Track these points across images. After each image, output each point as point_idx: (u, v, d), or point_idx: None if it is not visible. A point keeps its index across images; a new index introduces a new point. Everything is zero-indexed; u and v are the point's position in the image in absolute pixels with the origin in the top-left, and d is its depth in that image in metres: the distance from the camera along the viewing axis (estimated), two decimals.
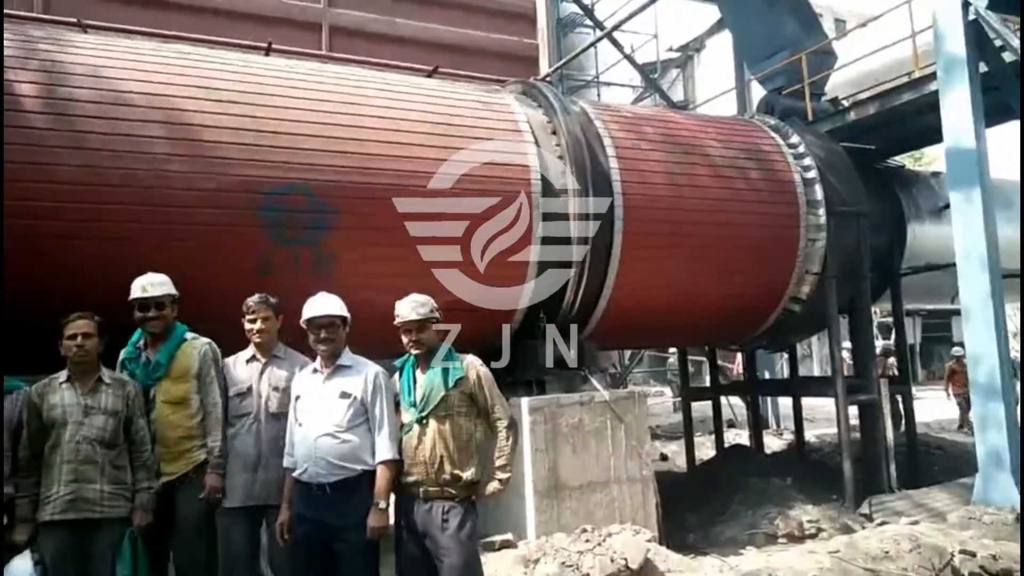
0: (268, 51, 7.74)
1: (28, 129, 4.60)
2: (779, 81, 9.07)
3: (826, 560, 5.08)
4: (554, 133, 6.45)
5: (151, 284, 3.94)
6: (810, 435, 11.26)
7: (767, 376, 13.55)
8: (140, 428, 3.82)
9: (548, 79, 10.07)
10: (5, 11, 6.78)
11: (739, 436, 12.02)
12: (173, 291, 4.01)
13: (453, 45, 9.95)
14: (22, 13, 7.67)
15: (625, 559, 5.20)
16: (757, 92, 11.04)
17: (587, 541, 5.46)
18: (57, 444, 3.61)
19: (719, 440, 10.06)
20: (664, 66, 17.81)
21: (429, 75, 8.17)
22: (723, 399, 10.68)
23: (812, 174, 7.55)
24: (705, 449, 10.80)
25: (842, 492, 7.55)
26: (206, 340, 4.02)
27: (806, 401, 10.13)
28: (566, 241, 6.21)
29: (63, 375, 3.74)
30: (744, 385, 10.59)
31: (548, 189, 6.16)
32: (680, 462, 10.57)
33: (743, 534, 6.96)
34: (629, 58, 12.06)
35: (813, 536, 6.78)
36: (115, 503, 3.66)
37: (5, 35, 4.95)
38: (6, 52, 4.79)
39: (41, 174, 4.58)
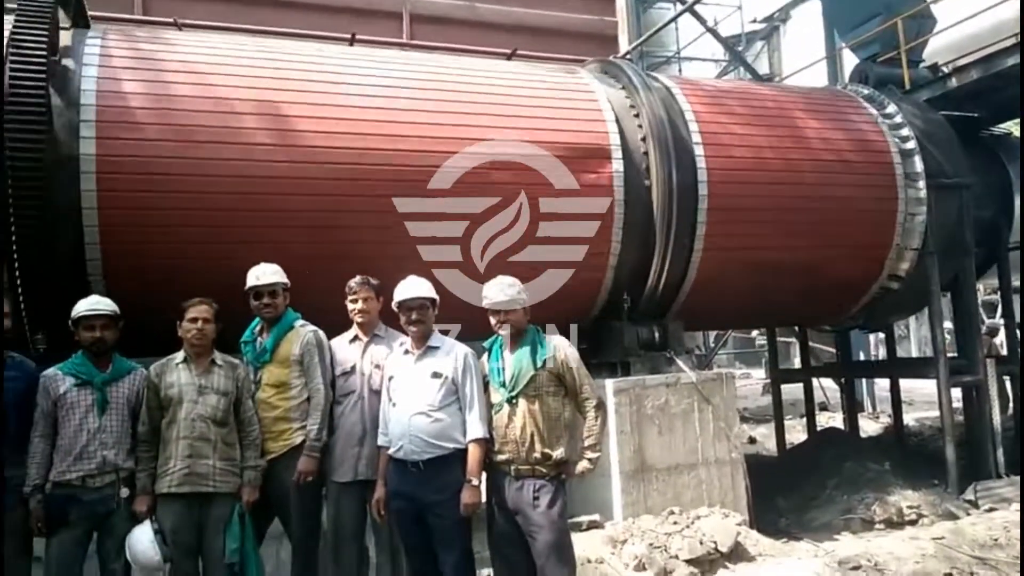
0: (352, 42, 7.92)
1: (139, 138, 4.90)
2: (873, 48, 8.66)
3: (929, 546, 4.90)
4: (635, 111, 6.37)
5: (264, 273, 4.13)
6: (909, 419, 10.80)
7: (861, 357, 13.04)
8: (248, 408, 4.01)
9: (628, 56, 9.91)
10: (108, 14, 7.20)
11: (832, 419, 11.65)
12: (284, 280, 4.18)
13: (533, 27, 9.92)
14: (124, 15, 8.08)
15: (715, 542, 5.16)
16: (849, 61, 10.58)
17: (675, 523, 5.43)
18: (173, 421, 3.83)
19: (811, 423, 9.78)
20: (748, 38, 17.23)
21: (508, 58, 8.18)
22: (815, 381, 10.35)
23: (910, 145, 7.20)
24: (795, 433, 10.51)
25: (944, 477, 7.23)
26: (312, 328, 4.17)
27: (904, 383, 9.74)
28: (648, 223, 6.15)
29: (179, 356, 3.96)
30: (838, 367, 10.22)
31: (630, 171, 6.10)
32: (769, 445, 10.34)
33: (838, 519, 6.75)
34: (712, 31, 11.69)
35: (913, 522, 6.52)
36: (225, 479, 3.87)
37: (115, 38, 5.25)
38: (118, 54, 5.10)
39: (146, 167, 4.88)
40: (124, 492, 3.76)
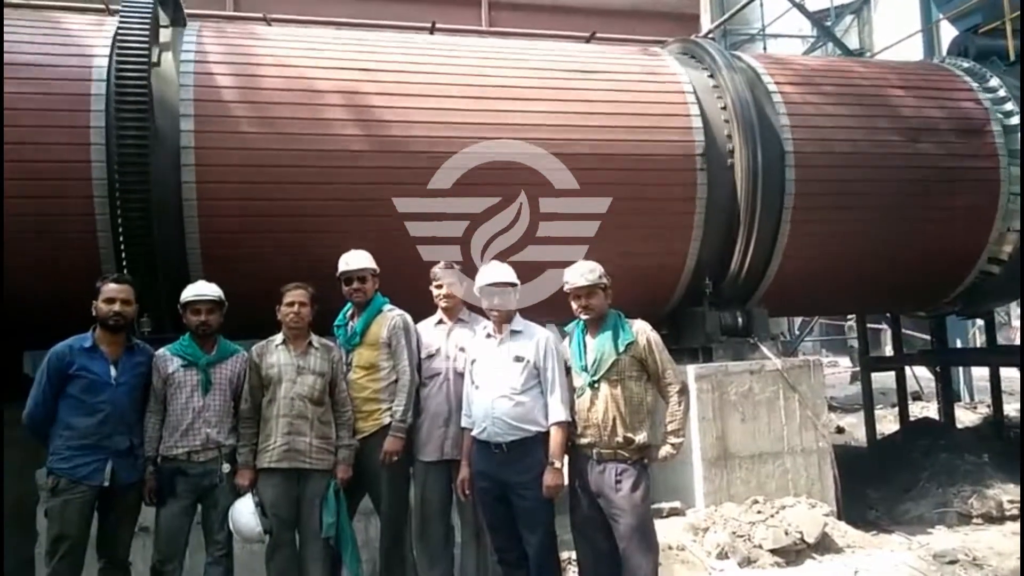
0: (432, 30, 8.01)
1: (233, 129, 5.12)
2: (974, 19, 8.20)
3: None
4: (719, 92, 6.23)
5: (353, 260, 4.28)
6: (1009, 409, 10.25)
7: (958, 344, 12.44)
8: (342, 390, 4.18)
9: (711, 36, 9.67)
10: (203, 12, 7.51)
11: (925, 409, 11.17)
12: (373, 265, 4.32)
13: (612, 9, 9.81)
14: (217, 12, 8.41)
15: (800, 532, 5.06)
16: (946, 34, 10.04)
17: (759, 512, 5.35)
18: (273, 399, 4.02)
19: (903, 413, 9.41)
20: (837, 12, 16.53)
21: (587, 41, 8.11)
22: (907, 369, 9.94)
23: (1015, 120, 6.81)
24: (886, 423, 10.14)
25: None
26: (400, 312, 4.30)
27: (1005, 372, 9.24)
28: (733, 206, 6.03)
29: (279, 338, 4.15)
30: (933, 354, 9.79)
31: (713, 154, 5.99)
32: (858, 435, 10.01)
33: (932, 512, 6.49)
34: (799, 6, 11.30)
35: (1014, 517, 6.21)
36: (321, 456, 4.03)
37: (210, 35, 5.49)
38: (214, 50, 5.33)
39: (241, 158, 5.11)
40: (226, 467, 3.97)
